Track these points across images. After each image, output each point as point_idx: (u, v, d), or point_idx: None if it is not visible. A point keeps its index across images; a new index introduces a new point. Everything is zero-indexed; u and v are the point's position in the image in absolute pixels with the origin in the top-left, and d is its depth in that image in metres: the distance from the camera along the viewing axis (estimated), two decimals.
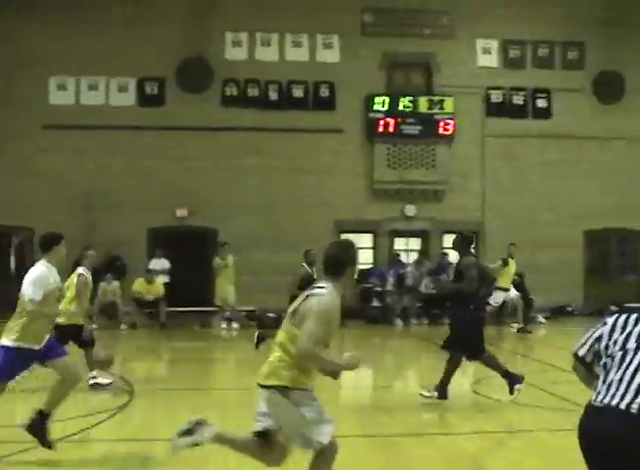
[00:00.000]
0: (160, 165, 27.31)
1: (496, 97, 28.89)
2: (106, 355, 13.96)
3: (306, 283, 16.57)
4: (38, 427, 8.70)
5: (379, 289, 26.75)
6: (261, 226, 27.37)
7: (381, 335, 23.75)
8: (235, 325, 24.36)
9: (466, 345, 12.19)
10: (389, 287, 26.58)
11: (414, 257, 28.19)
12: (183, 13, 27.73)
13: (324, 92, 28.10)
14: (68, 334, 13.03)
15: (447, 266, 27.41)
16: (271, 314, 24.97)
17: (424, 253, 28.18)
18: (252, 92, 27.90)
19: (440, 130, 28.03)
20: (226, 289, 24.57)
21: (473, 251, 13.15)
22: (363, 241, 28.31)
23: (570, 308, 28.34)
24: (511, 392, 12.07)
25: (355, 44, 28.23)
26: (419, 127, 27.91)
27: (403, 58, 28.69)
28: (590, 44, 29.33)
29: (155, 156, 27.33)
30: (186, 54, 27.66)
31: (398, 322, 25.73)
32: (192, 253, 27.31)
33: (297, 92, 28.06)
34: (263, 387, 6.40)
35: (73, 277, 13.50)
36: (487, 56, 29.06)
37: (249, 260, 25.84)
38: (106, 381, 13.62)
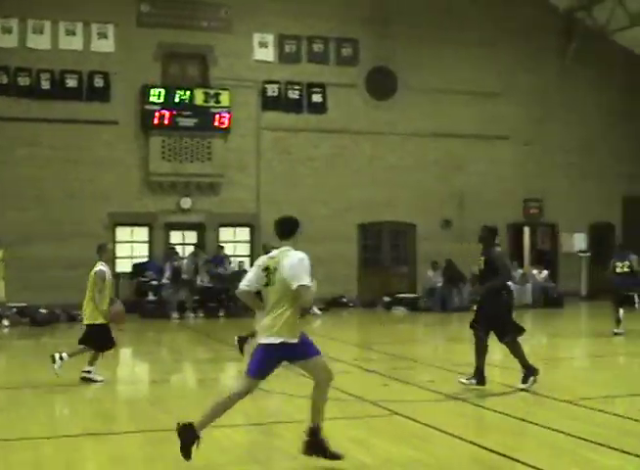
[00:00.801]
0: None
1: (272, 91, 29.13)
2: (117, 310, 13.77)
3: None
4: (317, 445, 8.29)
5: (155, 283, 26.51)
6: (34, 219, 26.55)
7: (156, 329, 23.48)
8: (6, 322, 23.53)
9: (498, 325, 12.58)
10: (165, 281, 26.39)
11: (190, 250, 28.08)
12: None
13: (98, 82, 27.53)
14: (94, 334, 13.34)
15: (224, 259, 27.52)
16: (43, 310, 24.35)
17: (200, 246, 28.11)
18: (24, 81, 26.97)
19: (216, 123, 27.99)
20: None
21: (497, 241, 13.45)
22: (138, 234, 28.02)
23: (344, 300, 28.93)
24: (524, 381, 12.46)
25: (131, 34, 27.79)
26: (195, 120, 27.76)
27: (180, 50, 28.50)
28: (363, 41, 30.01)
29: None
30: None
31: (175, 316, 25.59)
32: None
33: (71, 82, 27.37)
34: None
35: (91, 273, 13.48)
36: (264, 50, 29.25)
37: (20, 255, 25.08)
38: (98, 378, 13.49)
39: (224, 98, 28.14)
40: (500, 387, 12.66)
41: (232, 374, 15.35)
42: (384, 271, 30.23)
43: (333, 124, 29.60)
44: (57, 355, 13.40)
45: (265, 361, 8.28)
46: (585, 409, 10.91)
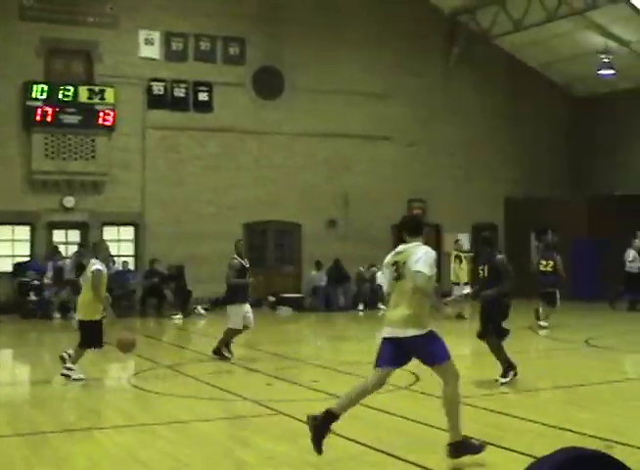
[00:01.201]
0: None
1: (158, 89, 28.84)
2: (129, 338, 13.97)
3: (239, 273, 15.98)
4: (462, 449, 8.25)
5: (36, 282, 26.02)
6: None
7: (38, 330, 23.09)
8: None
9: (488, 325, 12.95)
10: (48, 280, 25.92)
11: (74, 249, 27.63)
12: None
13: None
14: (88, 330, 13.56)
15: (107, 259, 27.10)
16: None
17: (84, 245, 27.65)
18: None
19: (100, 121, 27.57)
20: None
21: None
22: (20, 233, 27.44)
23: None
24: (504, 376, 12.95)
25: (13, 28, 27.16)
26: (79, 117, 27.28)
27: (64, 45, 27.99)
28: (250, 40, 29.95)
29: None
30: None
31: (57, 316, 25.16)
32: None
33: None
34: None
35: (88, 272, 13.73)
36: (150, 47, 28.95)
37: None
38: (79, 376, 13.58)
39: (109, 95, 27.74)
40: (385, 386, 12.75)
41: (115, 375, 15.17)
42: (269, 271, 30.19)
43: (219, 123, 29.47)
44: (65, 355, 13.73)
45: (395, 354, 8.45)
46: (467, 407, 11.08)
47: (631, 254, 26.52)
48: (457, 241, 26.16)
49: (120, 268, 27.29)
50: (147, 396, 12.49)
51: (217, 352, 16.16)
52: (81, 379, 13.62)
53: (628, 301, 26.40)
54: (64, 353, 13.74)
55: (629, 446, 8.73)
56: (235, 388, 12.69)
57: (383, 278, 8.77)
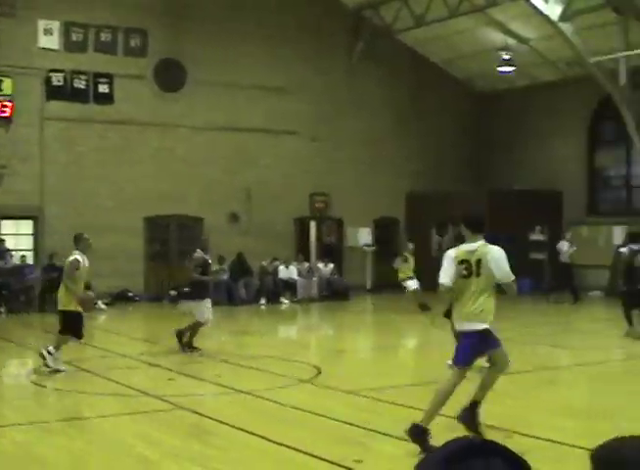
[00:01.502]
0: None
1: (57, 80, 28.32)
2: (87, 296, 14.38)
3: (203, 267, 16.14)
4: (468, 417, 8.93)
5: None
6: None
7: None
8: None
9: None
10: None
11: None
12: None
13: None
14: (68, 319, 13.66)
15: (6, 253, 26.64)
16: None
17: None
18: None
19: None
20: None
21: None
22: None
23: (131, 294, 28.53)
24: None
25: None
26: None
27: None
28: (153, 32, 29.60)
29: None
30: None
31: None
32: None
33: None
34: None
35: (67, 262, 13.89)
36: (49, 37, 28.39)
37: None
38: (62, 368, 13.55)
39: (6, 86, 27.14)
40: (283, 379, 12.74)
41: (14, 371, 14.89)
42: (171, 265, 29.94)
43: (120, 116, 29.07)
44: (44, 351, 13.52)
45: (475, 348, 8.77)
46: (368, 399, 11.14)
47: (565, 245, 27.05)
48: (409, 242, 26.47)
49: (18, 263, 26.77)
50: (47, 392, 12.30)
51: (189, 345, 16.08)
52: (60, 371, 13.54)
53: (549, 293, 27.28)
54: (42, 350, 13.68)
55: (529, 436, 8.88)
56: (137, 383, 12.56)
57: (443, 272, 8.74)
